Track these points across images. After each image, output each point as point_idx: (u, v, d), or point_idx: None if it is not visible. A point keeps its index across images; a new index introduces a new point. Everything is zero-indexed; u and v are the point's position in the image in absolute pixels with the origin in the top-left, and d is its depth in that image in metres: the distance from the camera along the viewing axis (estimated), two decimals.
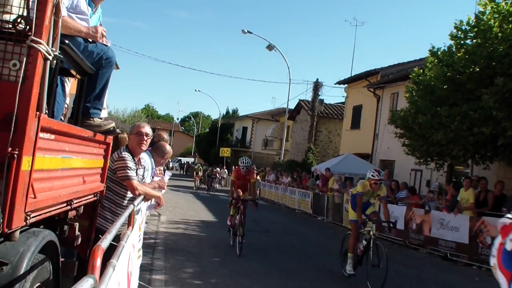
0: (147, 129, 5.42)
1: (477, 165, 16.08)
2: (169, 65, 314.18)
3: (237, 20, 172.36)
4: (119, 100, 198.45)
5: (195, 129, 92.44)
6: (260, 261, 10.81)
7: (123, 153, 5.26)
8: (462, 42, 15.26)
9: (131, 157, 5.28)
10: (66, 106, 4.89)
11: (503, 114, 12.90)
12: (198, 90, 79.20)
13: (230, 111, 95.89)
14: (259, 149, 54.55)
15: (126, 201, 5.32)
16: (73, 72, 4.03)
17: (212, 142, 63.05)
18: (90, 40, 4.16)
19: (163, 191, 6.16)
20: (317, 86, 35.61)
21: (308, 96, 37.68)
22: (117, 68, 29.49)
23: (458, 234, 13.31)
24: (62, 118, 4.52)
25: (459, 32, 15.31)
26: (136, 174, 5.37)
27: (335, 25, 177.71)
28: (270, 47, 35.18)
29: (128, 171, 5.14)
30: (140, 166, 5.54)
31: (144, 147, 5.44)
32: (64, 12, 3.93)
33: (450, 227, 13.61)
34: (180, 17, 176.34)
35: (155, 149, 6.29)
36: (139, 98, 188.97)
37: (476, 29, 14.56)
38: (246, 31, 35.27)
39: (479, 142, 14.32)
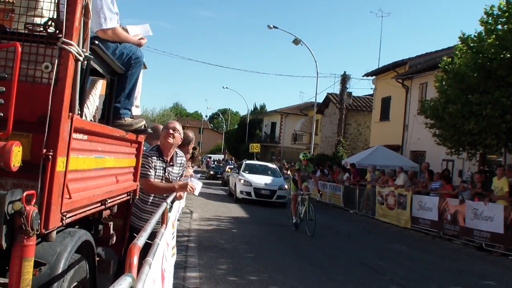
0: (175, 124, 5.56)
1: (510, 153, 15.79)
2: (196, 63, 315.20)
3: (261, 16, 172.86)
4: (148, 99, 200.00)
5: (224, 126, 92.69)
6: (293, 256, 10.80)
7: (147, 151, 5.38)
8: (492, 27, 14.91)
9: (157, 154, 5.43)
10: (96, 107, 4.93)
11: None
12: (226, 87, 79.93)
13: (258, 107, 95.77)
14: (288, 143, 54.47)
15: (151, 198, 5.52)
16: (102, 72, 4.06)
17: (242, 138, 63.19)
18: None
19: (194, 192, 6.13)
20: (344, 79, 35.32)
21: (336, 89, 37.48)
22: (145, 67, 29.66)
23: (492, 224, 13.09)
24: (92, 119, 4.55)
25: (490, 18, 14.98)
26: (165, 172, 5.48)
27: (361, 16, 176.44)
28: (296, 42, 34.98)
29: (142, 169, 5.20)
30: (171, 163, 5.58)
31: (171, 140, 5.46)
32: (114, 23, 4.00)
33: (484, 217, 13.39)
34: (205, 16, 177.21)
35: None
36: (167, 97, 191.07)
37: (507, 14, 14.26)
38: (272, 26, 35.12)
39: None
